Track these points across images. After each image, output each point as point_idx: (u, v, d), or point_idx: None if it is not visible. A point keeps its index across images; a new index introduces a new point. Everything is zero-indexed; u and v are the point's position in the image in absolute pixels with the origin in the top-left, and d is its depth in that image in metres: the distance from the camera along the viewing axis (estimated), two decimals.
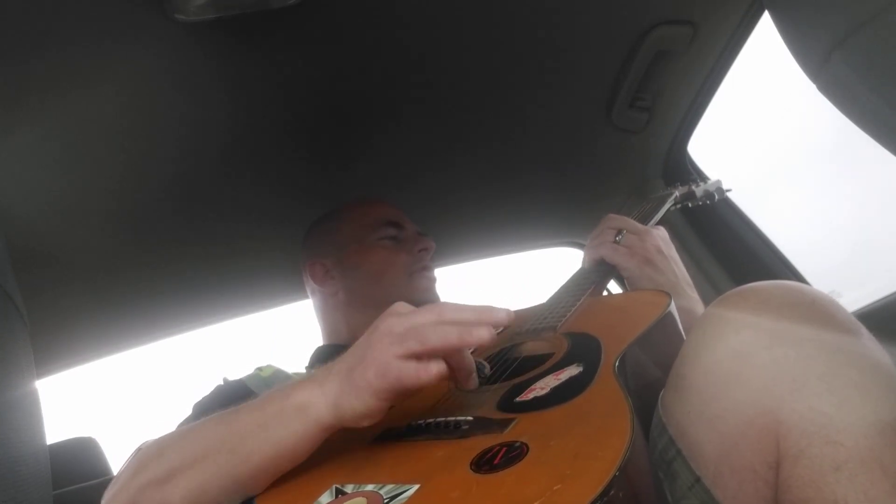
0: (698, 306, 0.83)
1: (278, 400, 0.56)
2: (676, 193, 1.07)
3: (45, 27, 0.70)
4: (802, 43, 0.63)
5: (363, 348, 0.53)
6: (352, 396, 0.51)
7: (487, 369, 0.59)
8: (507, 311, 0.53)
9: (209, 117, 0.93)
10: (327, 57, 0.88)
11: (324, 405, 0.53)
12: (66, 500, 1.02)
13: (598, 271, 0.85)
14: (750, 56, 1.03)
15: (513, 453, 0.42)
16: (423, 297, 0.97)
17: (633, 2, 0.92)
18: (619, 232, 0.86)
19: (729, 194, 1.18)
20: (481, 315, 0.52)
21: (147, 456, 0.59)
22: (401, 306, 0.55)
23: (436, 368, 0.49)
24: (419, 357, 0.50)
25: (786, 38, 0.65)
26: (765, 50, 0.97)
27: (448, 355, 0.52)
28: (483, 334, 0.50)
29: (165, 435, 0.62)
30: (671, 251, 0.87)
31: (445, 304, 0.54)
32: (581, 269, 0.88)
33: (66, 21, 0.70)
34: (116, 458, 1.25)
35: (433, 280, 1.02)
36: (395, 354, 0.50)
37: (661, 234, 0.88)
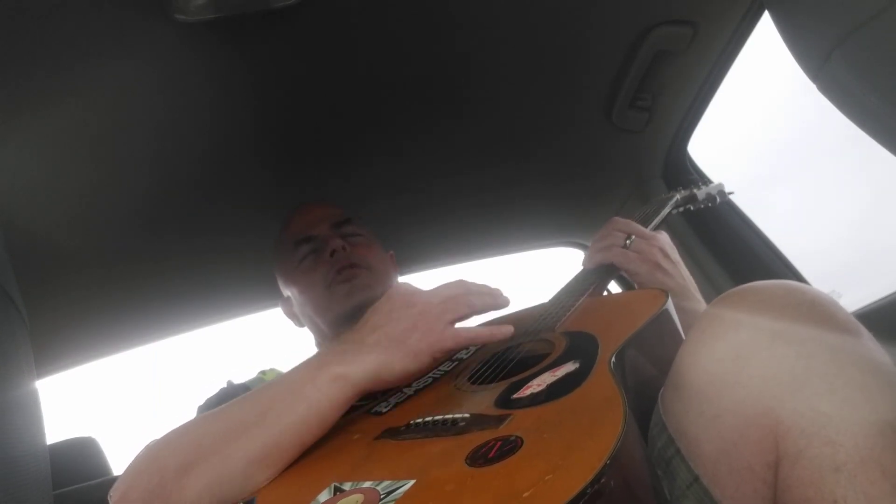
0: (700, 308, 0.83)
1: (309, 372, 0.59)
2: (677, 196, 1.06)
3: (46, 28, 0.70)
4: (802, 43, 0.63)
5: (409, 320, 0.61)
6: (407, 360, 0.60)
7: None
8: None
9: (209, 117, 0.93)
10: (328, 57, 0.88)
11: (363, 373, 0.59)
12: (66, 500, 1.03)
13: (598, 273, 0.86)
14: (750, 56, 1.03)
15: (507, 447, 0.42)
16: (347, 302, 0.94)
17: (633, 2, 0.92)
18: (628, 237, 0.87)
19: (731, 195, 1.18)
20: (491, 288, 0.67)
21: (164, 443, 0.59)
22: (409, 286, 0.65)
23: (508, 329, 0.64)
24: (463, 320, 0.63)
25: (786, 38, 0.65)
26: (765, 50, 0.97)
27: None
28: (509, 300, 0.67)
29: (180, 425, 0.62)
30: (675, 255, 0.89)
31: (460, 280, 0.67)
32: (582, 271, 0.89)
33: (67, 22, 0.70)
34: (116, 458, 1.25)
35: (353, 278, 0.96)
36: (448, 321, 0.61)
37: (665, 239, 0.89)
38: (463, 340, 0.61)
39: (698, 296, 0.86)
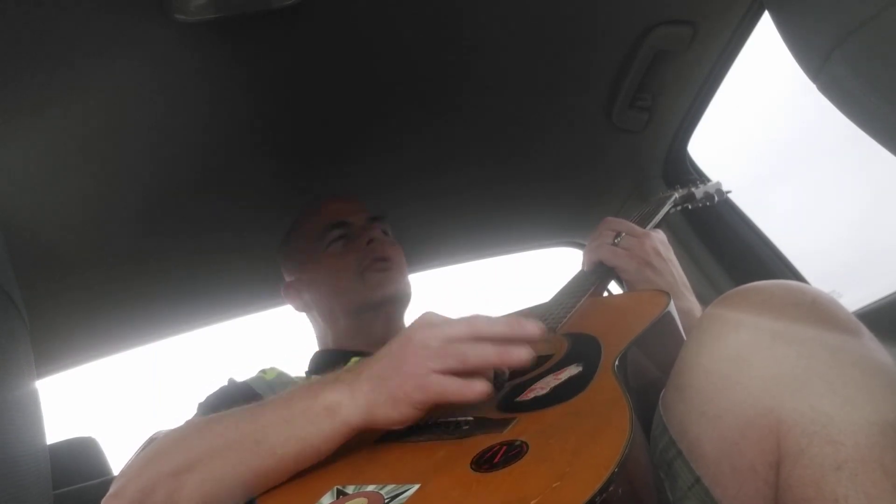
0: (696, 309, 0.83)
1: (305, 399, 0.57)
2: (676, 195, 1.07)
3: (46, 28, 0.70)
4: (802, 43, 0.63)
5: (397, 359, 0.54)
6: (388, 407, 0.52)
7: (506, 375, 0.58)
8: (538, 324, 0.54)
9: (209, 118, 0.93)
10: (327, 57, 0.88)
11: (354, 408, 0.54)
12: (66, 500, 1.02)
13: (597, 273, 0.86)
14: (750, 56, 1.03)
15: (512, 452, 0.42)
16: (379, 292, 0.95)
17: (633, 2, 0.92)
18: (618, 234, 0.87)
19: (729, 195, 1.18)
20: (514, 329, 0.53)
21: (161, 447, 0.59)
22: (432, 316, 0.56)
23: (480, 387, 0.50)
24: (457, 374, 0.51)
25: (786, 38, 0.65)
26: (765, 50, 0.97)
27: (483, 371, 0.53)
28: (522, 355, 0.51)
29: (179, 427, 0.62)
30: (669, 254, 0.88)
31: (478, 316, 0.54)
32: (581, 272, 0.89)
33: (67, 22, 0.70)
34: (116, 458, 1.25)
35: (387, 270, 0.97)
36: (433, 369, 0.51)
37: (659, 237, 0.89)
38: (432, 394, 0.51)
39: (689, 295, 0.85)
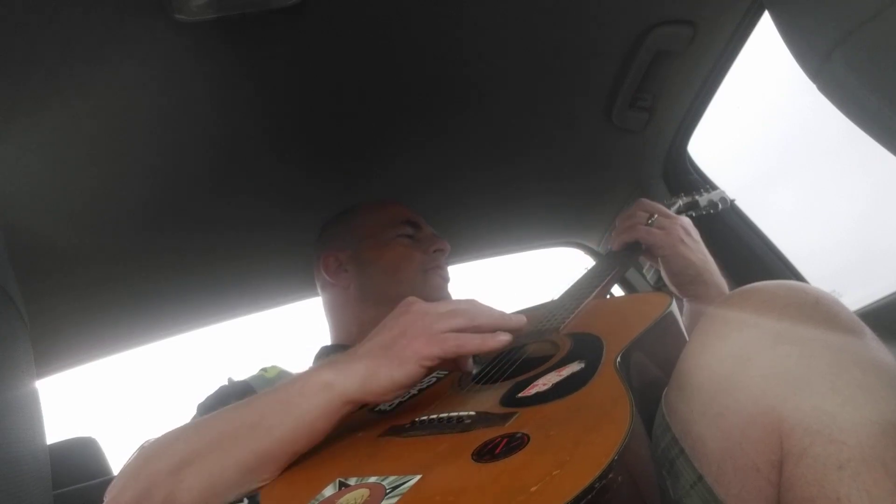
0: (724, 286, 0.90)
1: (300, 381, 0.59)
2: (680, 203, 1.08)
3: (46, 28, 0.70)
4: (802, 43, 0.63)
5: (399, 327, 0.58)
6: (392, 367, 0.56)
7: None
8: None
9: (210, 117, 0.93)
10: (328, 58, 0.88)
11: (350, 382, 0.56)
12: (66, 500, 1.02)
13: (624, 254, 0.91)
14: (750, 56, 1.03)
15: (514, 443, 0.42)
16: (436, 294, 0.99)
17: (633, 2, 0.92)
18: (651, 216, 0.92)
19: (734, 202, 1.19)
20: (502, 312, 0.62)
21: (156, 448, 0.59)
22: (416, 299, 0.61)
23: (504, 337, 0.58)
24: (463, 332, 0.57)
25: (786, 38, 0.66)
26: (765, 50, 0.97)
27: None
28: (522, 320, 0.62)
29: (174, 429, 0.62)
30: (696, 235, 0.94)
31: (471, 298, 0.62)
32: (591, 270, 0.91)
33: (67, 22, 0.70)
34: (116, 458, 1.25)
35: (447, 280, 1.03)
36: (444, 328, 0.56)
37: (687, 221, 0.95)
38: (450, 347, 0.55)
39: (719, 278, 0.91)
